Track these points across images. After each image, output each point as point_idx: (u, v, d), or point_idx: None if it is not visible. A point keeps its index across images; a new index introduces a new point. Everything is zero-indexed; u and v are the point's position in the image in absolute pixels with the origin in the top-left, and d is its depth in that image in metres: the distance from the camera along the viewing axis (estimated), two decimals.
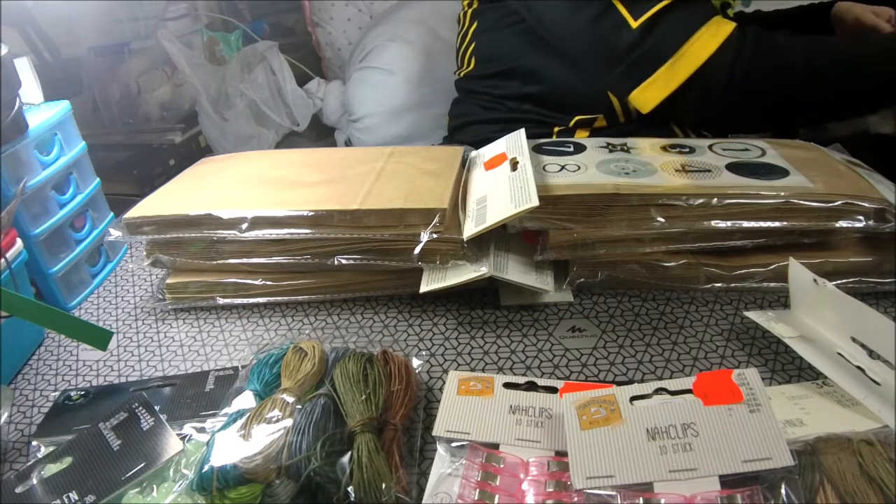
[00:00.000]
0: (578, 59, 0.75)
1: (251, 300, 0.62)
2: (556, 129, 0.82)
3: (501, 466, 0.39)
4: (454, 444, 0.41)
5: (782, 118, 0.68)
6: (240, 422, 0.41)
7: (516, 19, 0.81)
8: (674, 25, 0.66)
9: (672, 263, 0.57)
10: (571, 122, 0.81)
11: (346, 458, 0.38)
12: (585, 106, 0.79)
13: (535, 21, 0.77)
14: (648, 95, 0.69)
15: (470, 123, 0.93)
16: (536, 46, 0.79)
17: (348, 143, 1.28)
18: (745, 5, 1.25)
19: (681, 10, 0.66)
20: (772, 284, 0.56)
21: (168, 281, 0.62)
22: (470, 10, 0.90)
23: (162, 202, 0.62)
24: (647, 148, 0.64)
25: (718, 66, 0.65)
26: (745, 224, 0.54)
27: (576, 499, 0.36)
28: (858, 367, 0.43)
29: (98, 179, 0.71)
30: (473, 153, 0.70)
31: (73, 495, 0.40)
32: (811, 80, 0.67)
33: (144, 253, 0.62)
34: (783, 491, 0.34)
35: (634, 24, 0.66)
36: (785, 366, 0.49)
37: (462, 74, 0.93)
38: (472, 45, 0.90)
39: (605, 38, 0.69)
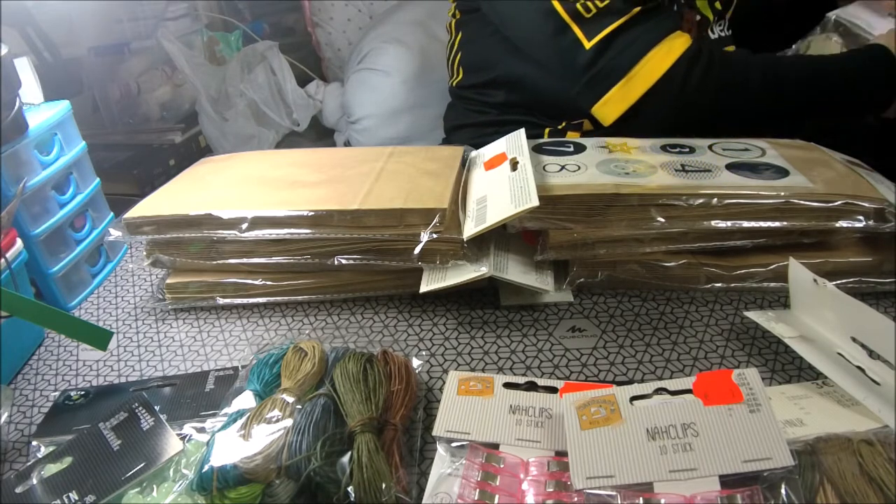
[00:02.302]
0: (548, 69, 0.76)
1: (251, 300, 0.61)
2: (547, 130, 0.83)
3: (501, 466, 0.39)
4: (454, 444, 0.41)
5: (738, 129, 0.69)
6: (240, 422, 0.41)
7: (496, 29, 0.81)
8: (626, 45, 0.67)
9: (672, 263, 0.57)
10: (560, 126, 0.82)
11: (346, 458, 0.38)
12: (570, 111, 0.80)
13: (508, 32, 0.78)
14: (606, 111, 0.71)
15: (464, 126, 0.94)
16: (517, 56, 0.80)
17: (347, 145, 1.28)
18: None
19: (634, 30, 0.67)
20: (772, 284, 0.56)
21: (168, 281, 0.62)
22: (454, 21, 0.92)
23: (162, 202, 0.62)
24: (647, 148, 0.64)
25: (670, 84, 0.67)
26: (745, 224, 0.54)
27: (576, 499, 0.36)
28: (858, 367, 0.43)
29: (98, 179, 0.71)
30: (473, 153, 0.70)
31: (73, 495, 0.40)
32: (766, 95, 0.69)
33: (144, 253, 0.62)
34: (783, 491, 0.34)
35: (588, 45, 0.68)
36: (785, 366, 0.49)
37: (454, 83, 0.96)
38: (459, 55, 0.92)
39: (564, 56, 0.71)
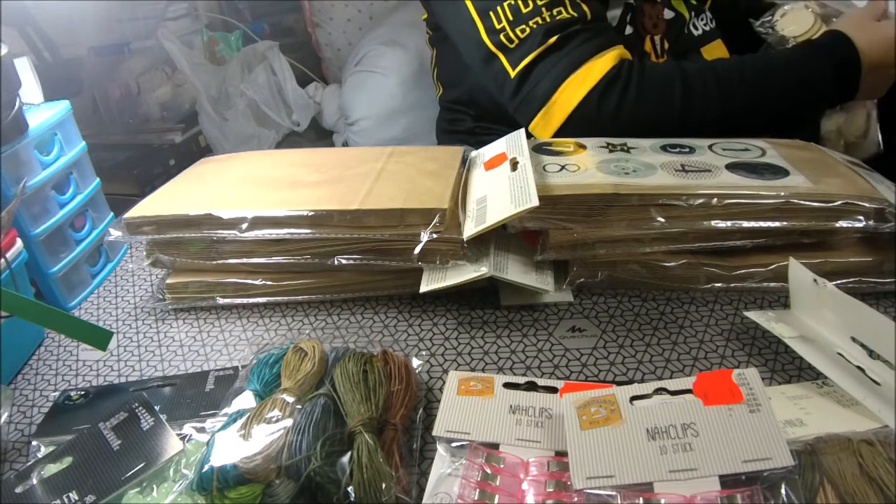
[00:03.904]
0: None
1: (251, 300, 0.61)
2: None
3: (501, 466, 0.39)
4: (454, 444, 0.41)
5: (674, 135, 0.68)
6: (240, 422, 0.41)
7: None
8: (543, 74, 0.68)
9: (672, 263, 0.57)
10: (530, 138, 0.82)
11: (346, 458, 0.38)
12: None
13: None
14: (537, 133, 0.72)
15: (451, 133, 0.96)
16: (475, 74, 0.81)
17: (346, 146, 1.28)
18: None
19: (551, 58, 0.68)
20: (772, 284, 0.56)
21: (168, 281, 0.62)
22: (428, 38, 0.95)
23: (162, 202, 0.62)
24: (647, 148, 0.64)
25: (586, 112, 0.67)
26: (745, 224, 0.54)
27: (576, 499, 0.36)
28: (858, 367, 0.43)
29: (98, 179, 0.71)
30: (473, 153, 0.70)
31: (73, 495, 0.40)
32: (693, 110, 0.68)
33: (144, 253, 0.62)
34: (783, 491, 0.34)
35: (512, 74, 0.69)
36: (785, 366, 0.49)
37: (437, 97, 0.98)
38: (436, 70, 0.95)
39: (495, 83, 0.73)
